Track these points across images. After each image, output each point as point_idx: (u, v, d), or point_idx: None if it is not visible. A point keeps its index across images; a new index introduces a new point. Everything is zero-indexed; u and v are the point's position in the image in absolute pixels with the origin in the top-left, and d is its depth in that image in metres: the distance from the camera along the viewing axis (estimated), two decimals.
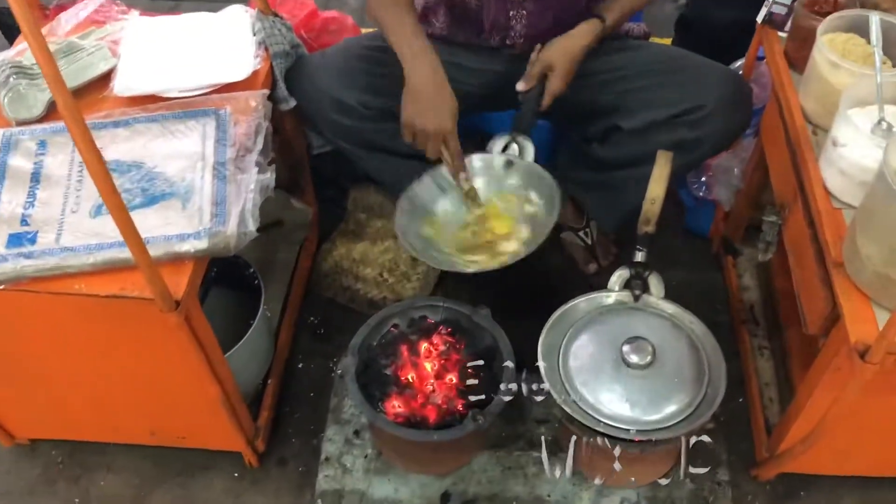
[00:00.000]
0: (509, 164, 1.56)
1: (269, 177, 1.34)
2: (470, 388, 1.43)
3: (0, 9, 1.96)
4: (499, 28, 1.60)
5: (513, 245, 1.51)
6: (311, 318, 1.87)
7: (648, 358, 1.34)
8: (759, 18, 1.51)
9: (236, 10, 1.59)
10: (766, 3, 1.50)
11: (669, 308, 1.44)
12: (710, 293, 1.88)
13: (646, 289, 1.45)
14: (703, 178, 1.90)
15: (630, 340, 1.36)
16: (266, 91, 1.47)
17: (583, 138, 1.71)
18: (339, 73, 1.59)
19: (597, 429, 1.31)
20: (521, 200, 1.55)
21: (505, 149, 1.57)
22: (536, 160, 1.56)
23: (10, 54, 1.47)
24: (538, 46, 1.53)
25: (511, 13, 1.58)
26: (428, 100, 1.45)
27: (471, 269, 1.45)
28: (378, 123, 1.59)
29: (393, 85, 1.50)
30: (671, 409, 1.32)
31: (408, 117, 1.47)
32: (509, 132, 1.57)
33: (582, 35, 1.52)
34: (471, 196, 1.55)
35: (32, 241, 1.22)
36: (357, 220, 1.95)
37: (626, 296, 1.45)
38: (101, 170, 0.99)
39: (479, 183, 1.56)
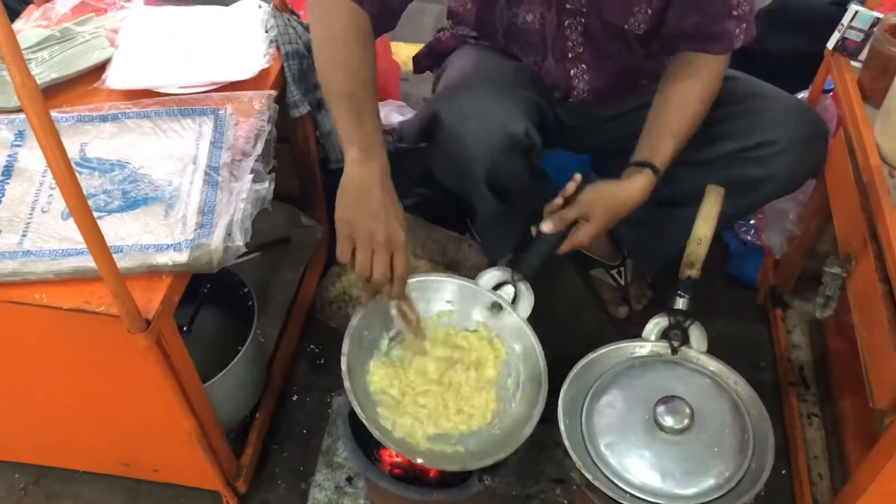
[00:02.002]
0: (497, 308, 1.28)
1: (267, 187, 1.19)
2: None
3: None
4: (561, 87, 1.48)
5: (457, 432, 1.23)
6: (311, 347, 1.71)
7: (685, 421, 1.16)
8: (830, 45, 1.36)
9: (249, 4, 1.47)
10: (838, 28, 1.34)
11: (712, 365, 1.26)
12: (753, 349, 1.70)
13: (685, 341, 1.28)
14: (752, 221, 1.73)
15: (665, 400, 1.18)
16: (273, 92, 1.33)
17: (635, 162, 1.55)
18: (503, 100, 1.32)
19: (621, 501, 1.13)
20: (495, 353, 1.28)
21: (498, 287, 1.29)
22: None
23: None
24: (577, 176, 1.28)
25: (572, 72, 1.45)
26: (377, 202, 1.13)
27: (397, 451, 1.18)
28: (528, 158, 1.38)
29: (531, 108, 1.35)
30: (708, 482, 1.14)
31: (349, 218, 1.14)
32: (511, 270, 1.29)
33: (633, 190, 1.28)
34: (413, 326, 1.25)
35: None
36: None
37: (662, 347, 1.28)
38: (60, 162, 0.85)
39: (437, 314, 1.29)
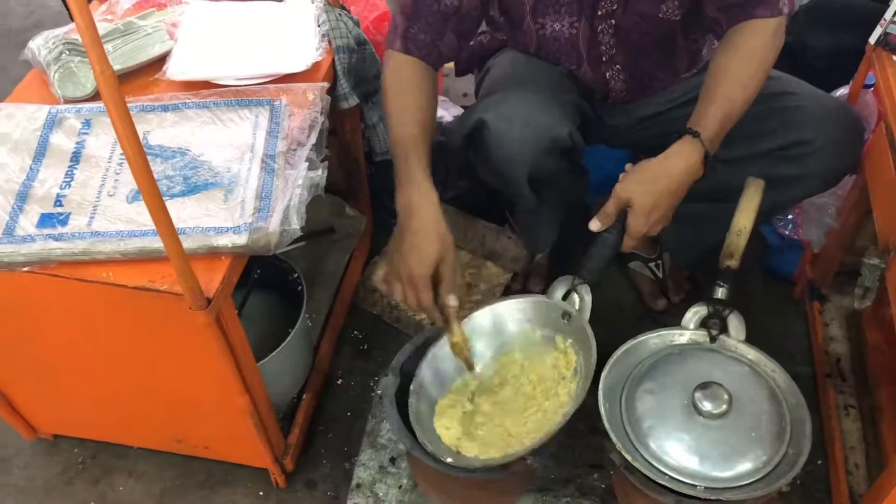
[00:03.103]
0: (568, 317, 1.29)
1: (320, 174, 1.24)
2: None
3: None
4: (598, 90, 1.50)
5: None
6: (355, 333, 1.76)
7: (723, 407, 1.18)
8: (872, 40, 1.37)
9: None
10: (881, 23, 1.35)
11: (750, 353, 1.28)
12: (790, 341, 1.71)
13: (724, 329, 1.30)
14: (791, 216, 1.74)
15: (703, 386, 1.21)
16: (325, 84, 1.38)
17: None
18: (546, 104, 1.34)
19: (659, 481, 1.16)
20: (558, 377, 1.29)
21: (566, 296, 1.30)
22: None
23: (64, 31, 1.41)
24: (628, 165, 1.27)
25: (607, 75, 1.47)
26: (409, 241, 1.21)
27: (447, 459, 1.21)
28: (570, 158, 1.40)
29: (574, 110, 1.38)
30: (746, 466, 1.16)
31: (390, 259, 1.26)
32: (571, 278, 1.30)
33: (673, 158, 1.24)
34: (458, 352, 1.27)
35: (63, 222, 1.14)
36: None
37: (701, 335, 1.30)
38: (135, 148, 0.90)
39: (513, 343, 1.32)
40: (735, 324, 1.31)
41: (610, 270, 1.85)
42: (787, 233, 1.75)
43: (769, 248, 1.84)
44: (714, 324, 1.31)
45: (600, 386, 1.24)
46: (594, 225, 1.26)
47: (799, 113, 1.39)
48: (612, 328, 1.65)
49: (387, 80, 1.34)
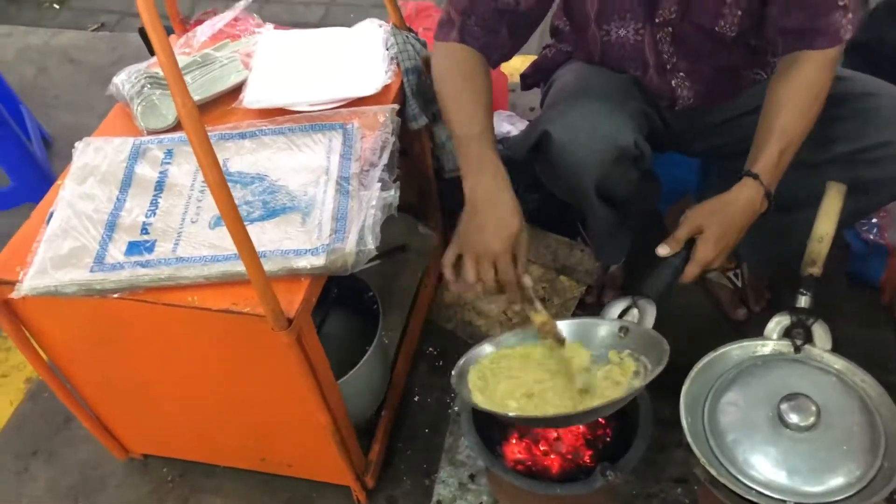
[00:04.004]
0: (625, 331, 1.28)
1: (393, 194, 1.26)
2: (599, 439, 1.29)
3: (143, 26, 2.01)
4: (665, 97, 1.49)
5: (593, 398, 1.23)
6: (430, 349, 1.77)
7: (811, 419, 1.15)
8: None
9: (369, 24, 1.55)
10: None
11: (837, 363, 1.24)
12: (879, 350, 1.65)
13: (809, 339, 1.27)
14: (875, 220, 1.69)
15: (790, 397, 1.17)
16: (395, 106, 1.40)
17: (740, 173, 1.54)
18: (612, 113, 1.34)
19: (747, 496, 1.13)
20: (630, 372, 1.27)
21: (623, 314, 1.29)
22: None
23: (145, 65, 1.47)
24: (688, 200, 1.29)
25: (673, 82, 1.46)
26: (483, 217, 1.23)
27: (511, 413, 1.20)
28: (638, 166, 1.41)
29: (640, 119, 1.38)
30: (837, 481, 1.13)
31: (460, 235, 1.26)
32: (631, 296, 1.29)
33: (734, 198, 1.25)
34: (545, 328, 1.26)
35: (150, 249, 1.19)
36: None
37: (785, 345, 1.27)
38: (217, 177, 0.94)
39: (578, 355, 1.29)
40: (820, 333, 1.27)
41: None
42: (871, 237, 1.69)
43: (853, 253, 1.78)
44: (798, 333, 1.27)
45: (682, 399, 1.22)
46: (662, 250, 1.25)
47: (877, 114, 1.34)
48: (691, 340, 1.62)
49: (441, 68, 1.35)
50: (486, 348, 1.28)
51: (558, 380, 1.25)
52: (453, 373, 1.24)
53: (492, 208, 1.23)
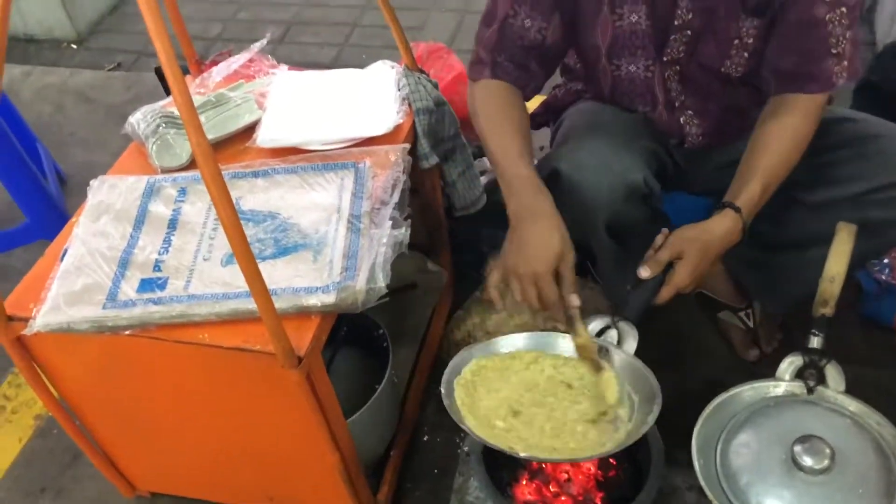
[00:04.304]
0: (604, 352, 1.28)
1: (404, 232, 1.27)
2: (610, 480, 1.28)
3: (160, 66, 2.04)
4: (674, 135, 1.51)
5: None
6: (440, 388, 1.76)
7: (826, 462, 1.14)
8: None
9: (382, 66, 1.57)
10: None
11: (851, 405, 1.23)
12: (894, 392, 1.63)
13: (822, 380, 1.26)
14: (886, 260, 1.68)
15: (803, 439, 1.16)
16: (406, 146, 1.42)
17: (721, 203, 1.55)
18: (621, 150, 1.36)
19: None
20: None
21: (601, 333, 1.30)
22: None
23: (161, 105, 1.50)
24: (664, 230, 1.30)
25: (681, 120, 1.48)
26: (524, 237, 1.24)
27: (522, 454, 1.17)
28: (648, 204, 1.42)
29: (649, 157, 1.40)
30: None
31: (505, 258, 1.27)
32: (610, 316, 1.30)
33: (719, 229, 1.28)
34: (584, 354, 1.27)
35: (162, 286, 1.20)
36: None
37: (798, 387, 1.26)
38: (230, 215, 0.95)
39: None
40: (833, 374, 1.26)
41: (698, 320, 1.82)
42: (883, 277, 1.69)
43: (864, 293, 1.77)
44: (811, 374, 1.26)
45: (694, 440, 1.21)
46: (645, 272, 1.27)
47: (886, 155, 1.35)
48: (703, 380, 1.62)
49: (477, 103, 1.40)
50: (468, 358, 1.29)
51: (548, 397, 1.25)
52: (442, 390, 1.24)
53: (533, 227, 1.24)
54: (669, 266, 1.27)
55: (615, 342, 1.29)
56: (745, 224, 1.29)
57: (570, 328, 1.27)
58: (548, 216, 1.25)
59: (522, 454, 1.16)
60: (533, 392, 1.26)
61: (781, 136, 1.31)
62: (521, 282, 1.23)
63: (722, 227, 1.28)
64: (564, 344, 1.31)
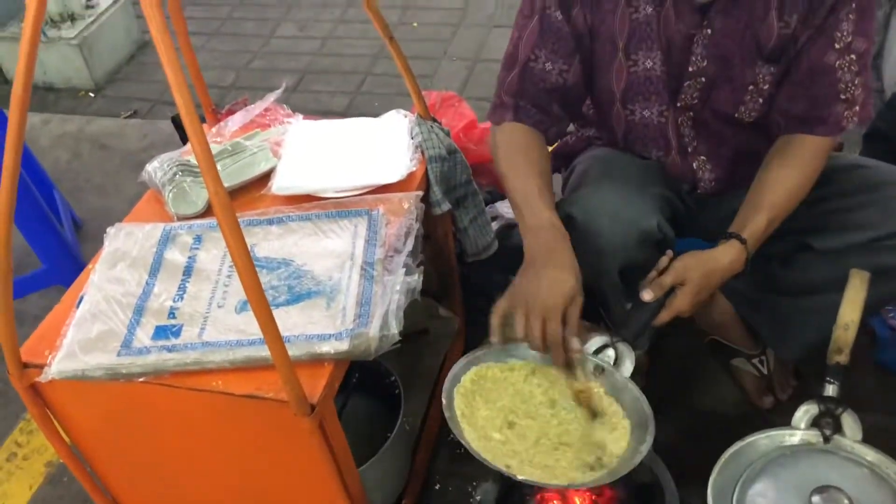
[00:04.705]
0: (599, 370, 1.29)
1: (416, 279, 1.27)
2: None
3: (176, 115, 2.08)
4: (687, 180, 1.53)
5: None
6: (451, 436, 1.73)
7: None
8: None
9: (395, 115, 1.59)
10: None
11: (869, 454, 1.22)
12: None
13: (838, 429, 1.24)
14: None
15: (821, 490, 1.15)
16: (420, 193, 1.43)
17: (760, 255, 1.55)
18: (634, 196, 1.37)
19: None
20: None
21: (599, 351, 1.31)
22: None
23: (178, 153, 1.52)
24: (669, 252, 1.32)
25: (694, 165, 1.50)
26: (538, 272, 1.24)
27: (518, 476, 1.16)
28: (661, 250, 1.40)
29: (662, 203, 1.43)
30: None
31: (515, 291, 1.26)
32: (609, 335, 1.31)
33: (723, 258, 1.30)
34: (581, 401, 1.26)
35: (177, 334, 1.20)
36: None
37: (814, 436, 1.25)
38: (246, 263, 0.96)
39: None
40: (850, 423, 1.25)
41: (712, 366, 1.81)
42: None
43: (879, 340, 1.76)
44: (827, 423, 1.25)
45: (709, 489, 1.19)
46: (647, 295, 1.28)
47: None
48: (718, 428, 1.60)
49: (498, 146, 1.42)
50: (467, 366, 1.29)
51: (542, 410, 1.25)
52: (443, 401, 1.24)
53: (548, 263, 1.25)
54: (671, 290, 1.28)
55: (612, 362, 1.30)
56: (749, 255, 1.31)
57: (568, 373, 1.26)
58: (565, 258, 1.25)
59: (519, 477, 1.15)
60: (528, 404, 1.27)
61: (789, 172, 1.34)
62: (529, 315, 1.21)
63: (727, 256, 1.30)
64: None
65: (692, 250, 1.32)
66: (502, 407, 1.26)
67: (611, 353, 1.31)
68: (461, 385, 1.27)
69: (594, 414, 1.25)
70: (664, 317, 1.29)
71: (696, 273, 1.28)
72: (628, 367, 1.29)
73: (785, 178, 1.34)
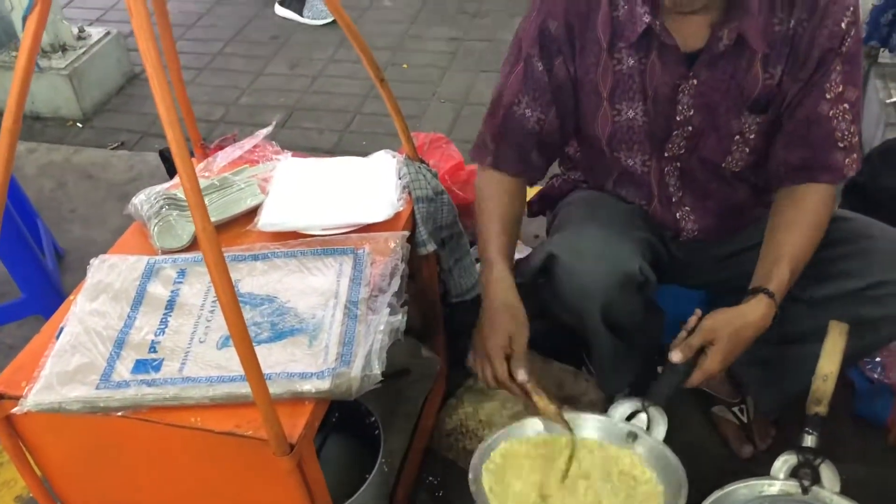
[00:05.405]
0: (633, 437, 1.30)
1: (400, 319, 1.27)
2: None
3: (164, 148, 2.09)
4: (670, 228, 1.55)
5: None
6: (430, 479, 1.74)
7: None
8: None
9: (384, 155, 1.60)
10: None
11: None
12: (889, 493, 1.62)
13: (817, 479, 1.25)
14: (879, 359, 1.69)
15: None
16: (406, 233, 1.44)
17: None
18: (617, 239, 1.39)
19: None
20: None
21: (631, 417, 1.31)
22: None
23: (165, 187, 1.52)
24: (698, 311, 1.32)
25: (678, 214, 1.52)
26: (483, 319, 1.36)
27: None
28: (643, 294, 1.44)
29: (644, 246, 1.45)
30: None
31: (472, 342, 1.39)
32: (640, 398, 1.31)
33: (753, 314, 1.29)
34: (550, 416, 1.29)
35: (157, 368, 1.19)
36: None
37: (793, 486, 1.25)
38: (230, 299, 0.96)
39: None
40: (828, 474, 1.25)
41: (692, 414, 1.81)
42: (875, 376, 1.69)
43: (857, 392, 1.77)
44: (805, 474, 1.26)
45: None
46: (676, 356, 1.28)
47: (878, 254, 1.38)
48: (696, 476, 1.60)
49: (480, 190, 1.49)
50: (499, 441, 1.30)
51: (579, 481, 1.26)
52: (470, 475, 1.24)
53: (491, 310, 1.35)
54: (700, 350, 1.28)
55: (645, 427, 1.29)
56: (778, 310, 1.30)
57: (527, 401, 1.31)
58: (502, 302, 1.33)
59: None
60: (560, 476, 1.27)
61: (802, 219, 1.35)
62: (480, 361, 1.33)
63: (756, 312, 1.29)
64: (595, 426, 1.32)
65: (720, 309, 1.30)
66: (535, 481, 1.26)
67: (643, 417, 1.30)
68: (490, 461, 1.28)
69: (568, 427, 1.29)
70: (696, 378, 1.28)
71: (725, 332, 1.26)
72: (661, 430, 1.29)
73: (801, 225, 1.34)
